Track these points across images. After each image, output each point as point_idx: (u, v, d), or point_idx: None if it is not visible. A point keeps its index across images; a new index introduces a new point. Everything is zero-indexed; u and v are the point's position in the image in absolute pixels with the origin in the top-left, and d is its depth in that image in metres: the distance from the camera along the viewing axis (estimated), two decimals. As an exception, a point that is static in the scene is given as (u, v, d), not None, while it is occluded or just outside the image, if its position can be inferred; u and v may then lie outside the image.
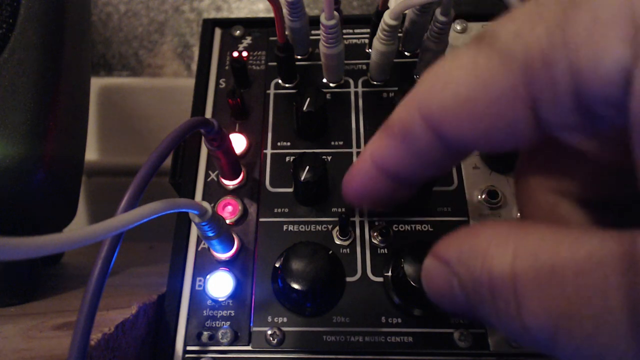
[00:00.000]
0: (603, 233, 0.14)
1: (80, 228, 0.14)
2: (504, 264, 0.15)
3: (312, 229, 0.31)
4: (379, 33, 0.31)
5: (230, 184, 0.33)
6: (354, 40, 0.38)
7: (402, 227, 0.31)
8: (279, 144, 0.34)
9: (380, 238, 0.31)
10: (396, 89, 0.35)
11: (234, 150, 0.31)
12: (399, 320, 0.28)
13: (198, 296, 0.30)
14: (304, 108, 0.31)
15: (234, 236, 0.31)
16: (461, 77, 0.17)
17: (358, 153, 0.34)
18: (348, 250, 0.31)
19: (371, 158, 0.22)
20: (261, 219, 0.32)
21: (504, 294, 0.15)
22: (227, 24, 0.40)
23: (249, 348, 0.29)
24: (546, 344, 0.15)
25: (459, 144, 0.18)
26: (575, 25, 0.13)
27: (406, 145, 0.20)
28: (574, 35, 0.13)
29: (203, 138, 0.28)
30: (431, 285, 0.20)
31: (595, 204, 0.19)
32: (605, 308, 0.13)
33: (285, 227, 0.32)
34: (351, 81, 0.36)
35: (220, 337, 0.28)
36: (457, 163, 0.24)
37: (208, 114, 0.36)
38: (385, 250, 0.30)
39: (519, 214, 0.22)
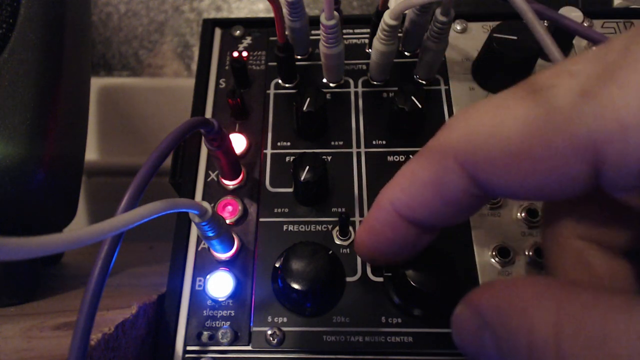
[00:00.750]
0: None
1: (80, 228, 0.14)
2: (546, 326, 0.15)
3: (312, 229, 0.31)
4: (379, 33, 0.31)
5: (230, 184, 0.33)
6: (354, 40, 0.38)
7: (402, 227, 0.31)
8: (279, 144, 0.34)
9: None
10: (396, 89, 0.35)
11: (234, 150, 0.31)
12: (399, 320, 0.28)
13: (198, 296, 0.30)
14: (304, 108, 0.31)
15: (234, 236, 0.31)
16: (513, 126, 0.16)
17: (358, 153, 0.34)
18: (348, 250, 0.31)
19: (392, 206, 0.20)
20: (261, 219, 0.32)
21: (545, 355, 0.15)
22: (227, 24, 0.40)
23: (249, 348, 0.29)
24: None
25: (501, 193, 0.17)
26: None
27: (436, 192, 0.19)
28: None
29: (203, 138, 0.28)
30: (461, 334, 0.19)
31: (626, 252, 0.19)
32: None
33: (285, 227, 0.32)
34: (351, 81, 0.36)
35: (220, 337, 0.28)
36: (484, 205, 0.23)
37: (208, 114, 0.36)
38: (385, 250, 0.30)
39: (544, 258, 0.22)
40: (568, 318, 0.14)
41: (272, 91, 0.37)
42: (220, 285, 0.30)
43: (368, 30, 0.37)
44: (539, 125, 0.15)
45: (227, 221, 0.32)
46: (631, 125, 0.13)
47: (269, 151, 0.34)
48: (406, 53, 0.37)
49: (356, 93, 0.36)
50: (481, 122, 0.17)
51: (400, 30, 0.34)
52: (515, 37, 0.32)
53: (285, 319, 0.29)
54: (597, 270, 0.19)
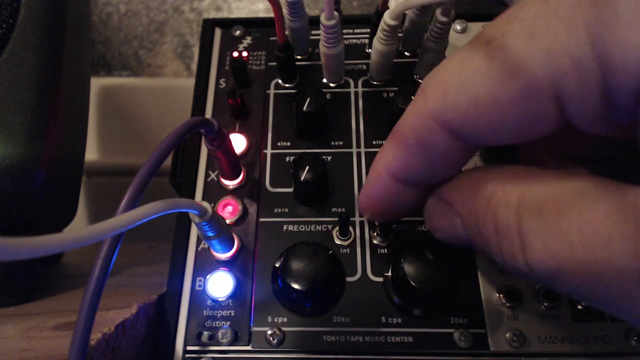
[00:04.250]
0: (605, 185, 0.15)
1: (80, 228, 0.14)
2: (509, 208, 0.17)
3: (312, 229, 0.31)
4: (379, 33, 0.31)
5: (230, 184, 0.33)
6: (354, 40, 0.38)
7: (402, 227, 0.31)
8: (279, 144, 0.34)
9: (380, 238, 0.31)
10: (396, 89, 0.35)
11: (234, 150, 0.31)
12: (399, 320, 0.28)
13: (198, 296, 0.30)
14: (304, 108, 0.31)
15: (234, 236, 0.31)
16: (476, 81, 0.17)
17: (358, 153, 0.34)
18: (348, 250, 0.31)
19: (387, 170, 0.22)
20: (261, 219, 0.32)
21: (509, 235, 0.17)
22: (227, 24, 0.40)
23: (249, 348, 0.29)
24: (547, 281, 0.16)
25: (480, 141, 0.18)
26: (599, 23, 0.13)
27: (425, 153, 0.20)
28: (599, 33, 0.13)
29: (203, 138, 0.28)
30: (434, 223, 0.22)
31: (590, 162, 0.21)
32: (610, 254, 0.14)
33: (285, 227, 0.32)
34: (351, 81, 0.36)
35: (220, 337, 0.28)
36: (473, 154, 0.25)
37: (208, 114, 0.36)
38: (385, 250, 0.30)
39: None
40: (528, 200, 0.16)
41: (272, 91, 0.37)
42: (220, 285, 0.30)
43: (368, 30, 0.37)
44: (498, 75, 0.16)
45: (227, 221, 0.32)
46: (583, 60, 0.14)
47: (269, 151, 0.34)
48: (406, 53, 0.37)
49: (356, 93, 0.36)
50: (449, 83, 0.18)
51: (400, 30, 0.34)
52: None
53: (285, 319, 0.29)
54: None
